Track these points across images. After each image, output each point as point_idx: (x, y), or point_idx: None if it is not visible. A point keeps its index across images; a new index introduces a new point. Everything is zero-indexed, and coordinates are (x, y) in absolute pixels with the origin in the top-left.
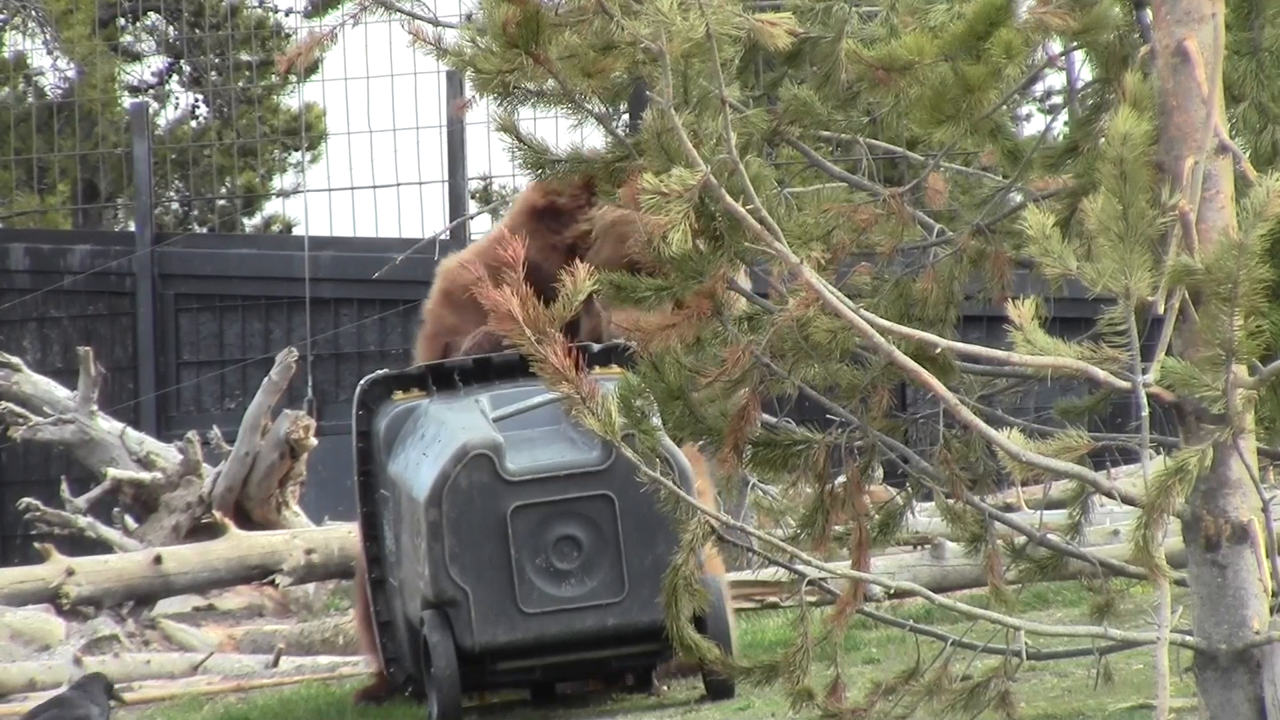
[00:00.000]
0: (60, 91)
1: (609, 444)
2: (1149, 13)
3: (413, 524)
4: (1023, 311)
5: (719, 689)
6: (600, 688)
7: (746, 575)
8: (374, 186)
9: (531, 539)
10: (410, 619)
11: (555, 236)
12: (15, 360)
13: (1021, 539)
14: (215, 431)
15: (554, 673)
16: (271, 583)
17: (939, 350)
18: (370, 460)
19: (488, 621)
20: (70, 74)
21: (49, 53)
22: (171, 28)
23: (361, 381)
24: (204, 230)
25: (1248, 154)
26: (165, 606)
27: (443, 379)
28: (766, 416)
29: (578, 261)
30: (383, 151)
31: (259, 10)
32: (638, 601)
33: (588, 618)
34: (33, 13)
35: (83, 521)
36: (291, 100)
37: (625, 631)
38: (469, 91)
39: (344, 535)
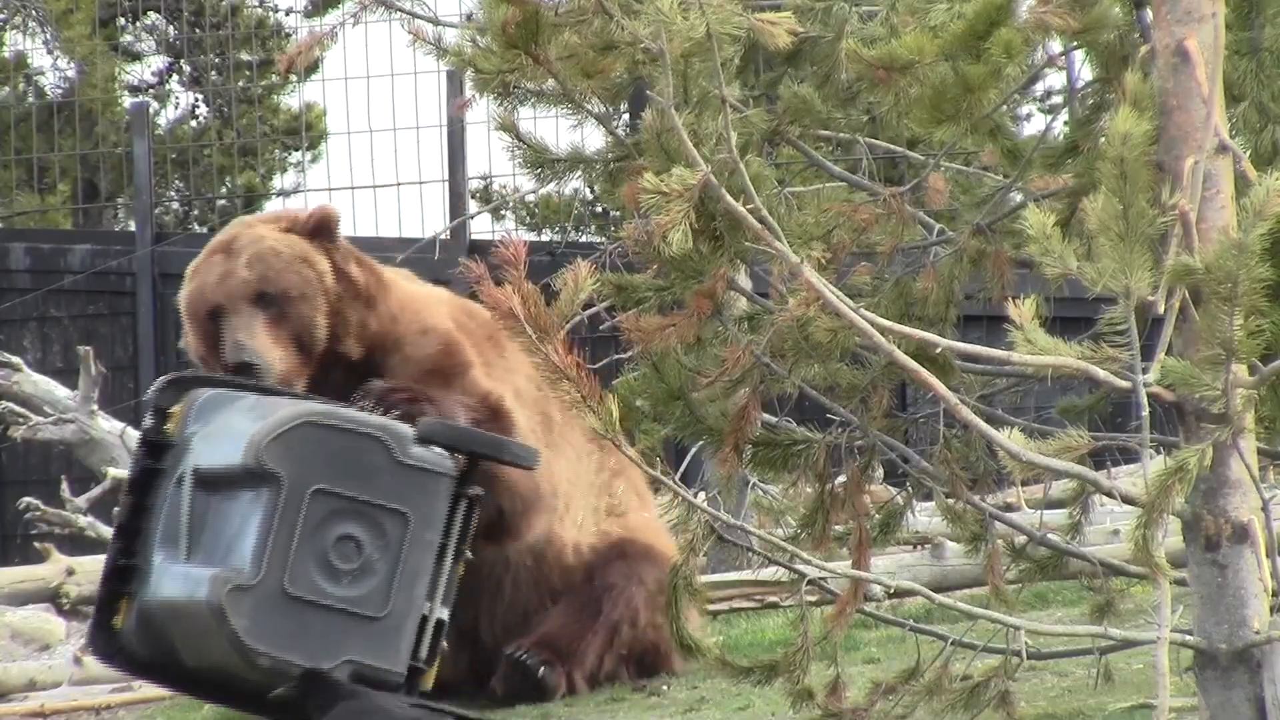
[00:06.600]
0: (60, 91)
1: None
2: (1149, 13)
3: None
4: (1023, 311)
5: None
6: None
7: (746, 575)
8: (374, 186)
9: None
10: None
11: None
12: (15, 360)
13: (1022, 539)
14: None
15: None
16: None
17: (939, 350)
18: (169, 671)
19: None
20: (70, 74)
21: (49, 52)
22: (171, 28)
23: (91, 627)
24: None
25: (1248, 154)
26: None
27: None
28: (766, 416)
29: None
30: (383, 151)
31: (259, 10)
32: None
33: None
34: (33, 12)
35: (83, 521)
36: (291, 100)
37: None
38: (469, 91)
39: None
